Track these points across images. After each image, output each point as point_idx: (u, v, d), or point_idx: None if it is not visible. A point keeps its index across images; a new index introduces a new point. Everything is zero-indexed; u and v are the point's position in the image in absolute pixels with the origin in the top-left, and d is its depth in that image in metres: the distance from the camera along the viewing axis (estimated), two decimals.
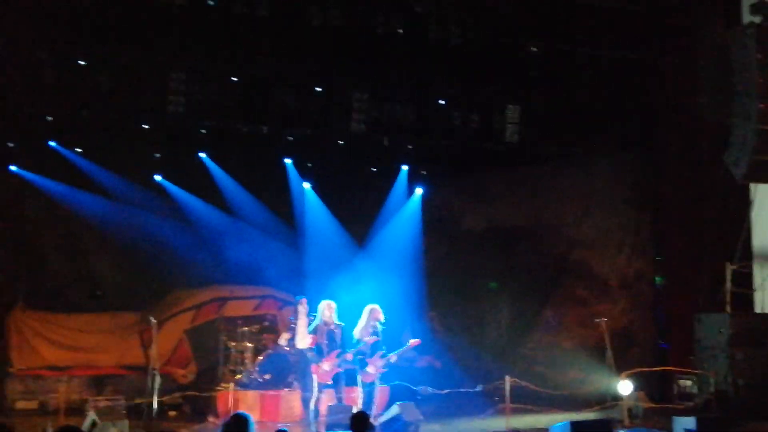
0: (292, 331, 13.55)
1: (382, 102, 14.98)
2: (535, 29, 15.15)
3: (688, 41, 15.49)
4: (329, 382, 12.49)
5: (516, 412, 13.60)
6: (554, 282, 17.42)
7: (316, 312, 12.74)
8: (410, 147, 15.94)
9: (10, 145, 14.48)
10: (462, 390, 14.57)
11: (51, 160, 14.63)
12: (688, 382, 14.36)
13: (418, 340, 13.06)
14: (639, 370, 14.24)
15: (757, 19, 13.49)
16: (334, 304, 12.82)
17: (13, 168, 14.77)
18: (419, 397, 14.37)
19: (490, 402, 14.54)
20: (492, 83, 15.44)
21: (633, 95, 16.01)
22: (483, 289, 17.87)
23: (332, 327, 12.71)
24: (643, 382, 14.26)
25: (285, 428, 7.43)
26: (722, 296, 14.44)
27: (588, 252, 17.18)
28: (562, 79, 15.61)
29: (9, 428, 4.26)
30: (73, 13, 12.83)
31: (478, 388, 14.71)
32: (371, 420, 9.27)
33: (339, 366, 12.56)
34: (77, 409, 12.61)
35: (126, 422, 11.46)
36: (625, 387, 13.53)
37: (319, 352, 12.58)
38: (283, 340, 13.70)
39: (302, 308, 12.95)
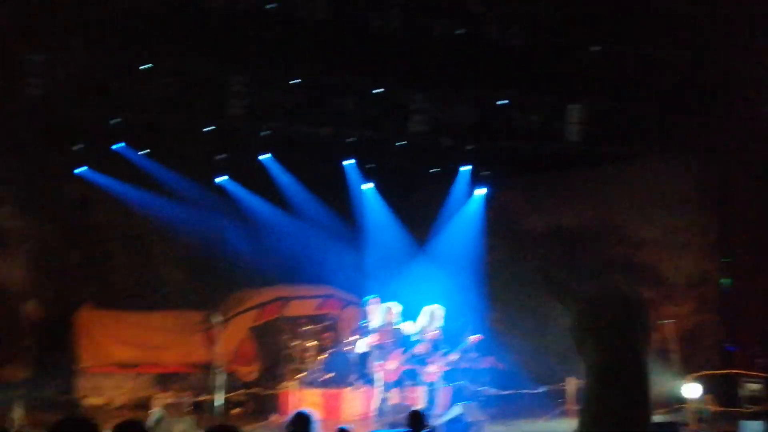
0: (360, 331, 13.64)
1: (442, 103, 14.99)
2: (596, 29, 15.01)
3: (752, 39, 15.20)
4: (394, 381, 12.57)
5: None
6: (619, 284, 17.17)
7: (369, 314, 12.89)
8: (471, 148, 15.89)
9: (77, 147, 14.78)
10: (525, 391, 14.49)
11: (117, 162, 14.93)
12: (756, 386, 14.06)
13: (479, 335, 13.08)
14: (706, 372, 14.01)
15: None
16: (396, 305, 12.92)
17: (80, 171, 15.09)
18: (482, 398, 14.32)
19: (553, 404, 14.43)
20: (553, 83, 15.33)
21: (697, 94, 15.76)
22: (544, 290, 17.69)
23: (394, 327, 12.80)
24: (709, 385, 14.00)
25: (346, 427, 7.46)
26: None
27: (653, 253, 16.95)
28: (624, 78, 15.43)
29: (96, 424, 4.33)
30: (139, 19, 13.08)
31: (542, 390, 14.61)
32: (432, 419, 9.31)
33: (402, 364, 12.64)
34: (143, 406, 12.82)
35: (191, 418, 11.64)
36: (691, 390, 13.32)
37: (383, 350, 12.66)
38: (363, 345, 13.51)
39: (374, 307, 13.05)
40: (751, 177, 15.42)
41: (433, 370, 12.96)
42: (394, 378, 12.75)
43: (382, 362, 12.75)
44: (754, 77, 14.91)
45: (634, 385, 4.53)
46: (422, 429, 8.11)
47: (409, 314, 13.50)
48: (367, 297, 13.35)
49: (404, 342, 12.97)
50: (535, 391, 14.44)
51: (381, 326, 13.02)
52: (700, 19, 15.02)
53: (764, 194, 15.16)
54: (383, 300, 13.46)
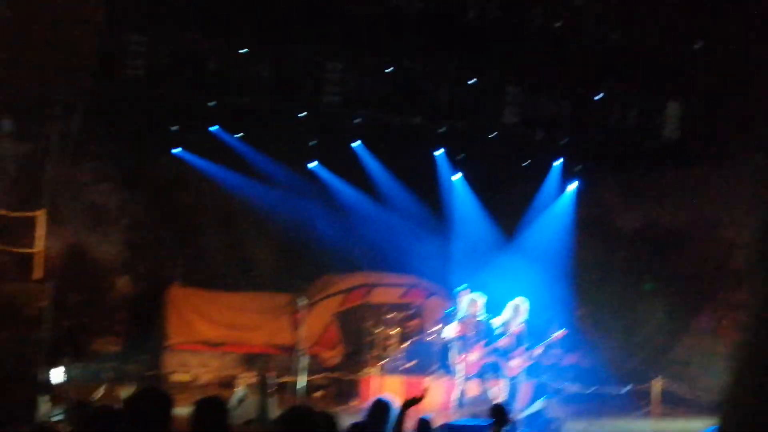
0: (443, 321, 13.63)
1: (536, 95, 14.83)
2: (699, 26, 14.63)
3: None
4: (476, 373, 12.54)
5: (665, 415, 13.22)
6: (712, 285, 16.75)
7: (459, 304, 12.85)
8: (564, 142, 15.67)
9: (174, 129, 15.09)
10: (608, 390, 14.27)
11: (212, 144, 15.20)
12: None
13: (564, 330, 12.95)
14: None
15: None
16: (481, 297, 12.87)
17: (175, 151, 15.42)
18: (564, 395, 14.18)
19: (637, 403, 14.17)
20: (652, 80, 15.01)
21: None
22: (636, 289, 17.38)
23: (478, 319, 12.75)
24: None
25: (428, 416, 7.45)
26: None
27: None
28: (724, 77, 15.01)
29: (171, 398, 4.43)
30: (238, 3, 13.28)
31: (626, 389, 14.36)
32: (512, 414, 9.25)
33: (485, 356, 12.59)
34: (228, 384, 13.05)
35: (275, 398, 11.81)
36: None
37: (465, 341, 12.64)
38: (451, 332, 13.42)
39: (465, 298, 13.02)
40: None
41: (516, 364, 12.86)
42: (474, 370, 12.70)
43: (463, 353, 12.70)
44: None
45: None
46: (505, 422, 8.05)
47: (495, 307, 13.42)
48: (458, 287, 13.29)
49: (487, 334, 12.89)
50: (619, 391, 14.18)
51: (464, 317, 12.97)
52: None
53: None
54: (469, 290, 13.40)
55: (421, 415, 7.54)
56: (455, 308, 13.22)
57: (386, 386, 13.11)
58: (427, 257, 15.92)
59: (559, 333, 13.08)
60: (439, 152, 16.15)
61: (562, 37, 14.39)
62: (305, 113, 14.55)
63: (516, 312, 13.02)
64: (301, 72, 13.95)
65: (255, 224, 16.14)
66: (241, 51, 13.59)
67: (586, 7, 14.47)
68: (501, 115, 14.71)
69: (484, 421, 8.62)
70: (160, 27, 13.04)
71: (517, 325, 13.01)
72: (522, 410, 12.20)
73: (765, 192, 16.03)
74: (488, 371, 12.89)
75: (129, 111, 14.01)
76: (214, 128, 14.90)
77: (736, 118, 15.18)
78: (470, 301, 13.00)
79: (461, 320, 12.97)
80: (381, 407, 6.62)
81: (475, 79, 14.63)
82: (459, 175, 16.66)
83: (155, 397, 4.39)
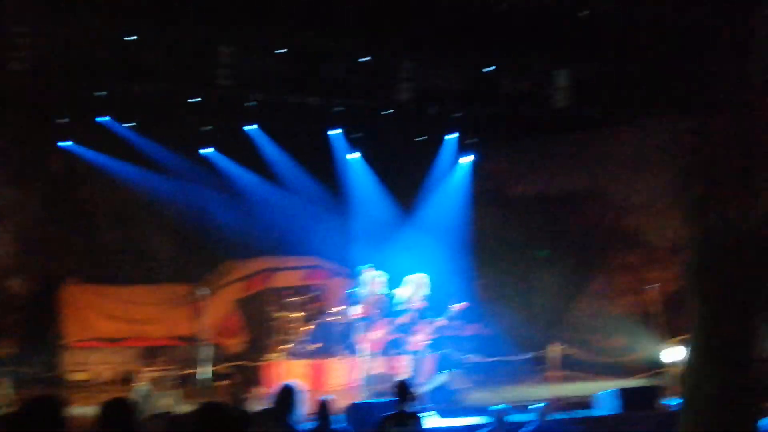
0: (346, 301, 13.71)
1: (429, 70, 14.93)
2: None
3: (747, 6, 15.10)
4: (379, 351, 12.68)
5: (564, 379, 13.63)
6: (604, 248, 17.29)
7: (362, 283, 12.94)
8: (457, 115, 15.86)
9: (63, 121, 14.74)
10: (510, 358, 14.62)
11: (102, 135, 14.90)
12: None
13: (464, 303, 13.18)
14: (688, 337, 14.09)
15: None
16: (383, 275, 12.99)
17: (64, 144, 15.06)
18: (467, 365, 14.46)
19: (538, 369, 14.57)
20: (540, 48, 15.25)
21: (688, 59, 15.69)
22: (532, 256, 17.82)
23: (379, 297, 12.87)
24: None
25: (328, 397, 7.57)
26: None
27: (638, 217, 16.99)
28: (614, 43, 15.36)
29: (62, 401, 4.42)
30: None
31: (527, 356, 14.74)
32: (417, 388, 9.41)
33: (388, 334, 12.74)
34: (129, 380, 12.90)
35: (179, 392, 11.77)
36: (672, 354, 13.44)
37: (368, 321, 12.76)
38: (354, 312, 13.55)
39: (368, 276, 13.11)
40: (737, 141, 15.40)
41: (419, 338, 13.05)
42: (379, 348, 12.85)
43: (367, 332, 12.84)
44: (748, 44, 14.83)
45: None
46: (408, 398, 8.19)
47: (397, 283, 13.60)
48: (361, 266, 13.37)
49: (390, 311, 13.04)
50: (520, 358, 14.55)
51: (367, 296, 13.10)
52: None
53: (749, 158, 15.16)
54: (370, 268, 13.49)
55: (321, 397, 7.64)
56: (358, 287, 13.32)
57: (291, 371, 13.17)
58: (328, 238, 15.95)
59: (460, 305, 13.31)
60: (335, 132, 16.17)
61: (450, 9, 14.47)
62: (198, 99, 14.39)
63: (417, 287, 13.19)
64: (192, 56, 13.76)
65: (151, 215, 15.91)
66: (128, 38, 13.33)
67: None
68: (395, 91, 14.76)
69: (388, 399, 8.75)
70: (45, 17, 12.66)
71: (419, 300, 13.19)
72: (426, 384, 12.42)
73: (668, 152, 16.60)
74: (392, 348, 13.05)
75: (14, 105, 13.62)
76: (104, 119, 14.62)
77: (624, 83, 15.57)
78: (371, 279, 13.12)
79: (364, 299, 13.09)
80: (287, 393, 6.71)
81: (369, 57, 14.65)
82: (356, 154, 16.71)
83: (45, 402, 4.37)
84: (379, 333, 12.93)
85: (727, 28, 15.23)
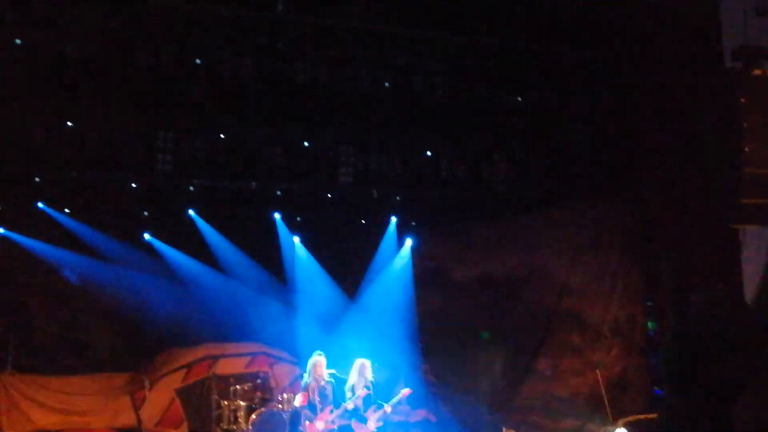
0: (292, 389, 13.48)
1: (369, 154, 15.06)
2: (519, 79, 15.31)
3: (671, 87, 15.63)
4: None
5: None
6: (547, 331, 17.36)
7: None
8: (398, 198, 15.98)
9: None
10: None
11: (39, 221, 14.61)
12: None
13: (409, 389, 13.09)
14: (635, 417, 14.17)
15: (739, 65, 13.66)
16: (323, 360, 12.79)
17: (0, 231, 14.74)
18: None
19: None
20: (478, 133, 15.56)
21: (621, 142, 16.14)
22: (475, 339, 17.79)
23: (323, 383, 12.67)
24: (639, 429, 14.17)
25: None
26: None
27: (579, 300, 17.14)
28: (549, 128, 15.76)
29: None
30: (62, 75, 12.90)
31: None
32: None
33: (332, 422, 12.50)
34: None
35: None
36: None
37: (312, 409, 12.53)
38: (297, 401, 13.27)
39: (311, 362, 12.89)
40: (674, 222, 15.74)
41: (369, 427, 12.87)
42: None
43: (311, 421, 12.58)
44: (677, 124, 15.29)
45: None
46: None
47: (343, 368, 13.43)
48: (314, 352, 13.15)
49: (334, 399, 12.82)
50: None
51: (307, 384, 12.86)
52: (617, 69, 15.48)
53: (687, 239, 15.48)
54: (314, 353, 13.28)
55: None
56: (305, 374, 13.10)
57: None
58: (271, 323, 15.75)
59: (405, 391, 13.19)
60: (277, 216, 16.11)
61: (390, 95, 14.71)
62: (137, 184, 14.26)
63: (360, 373, 13.05)
64: (131, 142, 13.69)
65: (89, 302, 15.48)
66: (68, 123, 13.22)
67: (412, 66, 14.86)
68: (336, 175, 14.83)
69: None
70: None
71: (363, 387, 13.01)
72: None
73: (608, 234, 16.91)
74: None
75: None
76: (40, 204, 14.37)
77: (563, 168, 15.91)
78: (312, 366, 12.88)
79: (304, 388, 12.87)
80: None
81: (307, 143, 14.76)
82: (297, 238, 16.64)
83: None
84: (323, 422, 12.67)
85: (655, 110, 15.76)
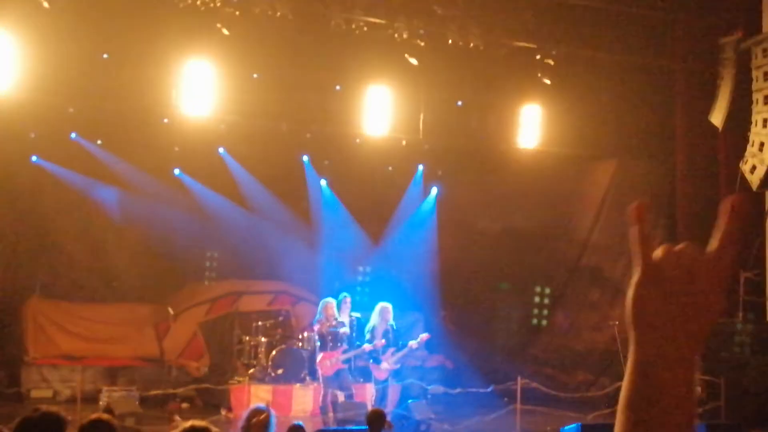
0: (311, 328, 13.64)
1: (400, 102, 15.07)
2: (555, 36, 15.20)
3: (706, 49, 15.51)
4: (332, 376, 12.60)
5: (526, 413, 13.67)
6: (566, 285, 17.48)
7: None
8: (426, 147, 16.01)
9: (32, 135, 14.63)
10: (473, 390, 14.64)
11: (72, 151, 14.77)
12: (698, 389, 14.36)
13: (427, 334, 13.23)
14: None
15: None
16: (332, 302, 12.86)
17: (34, 158, 14.94)
18: (430, 396, 14.47)
19: (500, 402, 14.59)
20: (510, 85, 15.51)
21: (648, 102, 16.08)
22: (495, 289, 17.95)
23: (334, 323, 12.78)
24: None
25: (300, 423, 7.46)
26: (735, 303, 14.46)
27: (601, 256, 17.23)
28: (578, 82, 15.69)
29: (64, 420, 4.32)
30: (99, 6, 12.95)
31: (489, 389, 14.77)
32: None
33: (343, 363, 12.66)
34: (91, 399, 12.70)
35: (140, 413, 11.61)
36: None
37: (322, 347, 12.69)
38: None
39: (345, 306, 13.06)
40: (699, 183, 15.73)
41: (384, 367, 13.03)
42: (329, 373, 12.72)
43: (320, 357, 12.76)
44: (708, 87, 15.21)
45: None
46: (384, 428, 8.08)
47: (363, 311, 13.62)
48: (340, 295, 13.28)
49: (350, 340, 12.98)
50: (484, 390, 14.56)
51: (317, 320, 13.00)
52: (658, 26, 15.37)
53: (712, 201, 15.47)
54: (337, 295, 13.42)
55: (293, 422, 7.56)
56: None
57: (254, 395, 13.05)
58: (296, 263, 15.88)
59: (423, 336, 13.34)
60: (305, 158, 16.22)
61: (424, 44, 14.66)
62: (168, 119, 14.36)
63: (381, 316, 13.18)
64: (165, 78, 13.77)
65: (118, 233, 15.73)
66: (103, 55, 13.33)
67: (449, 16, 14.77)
68: (366, 121, 14.88)
69: (359, 427, 8.68)
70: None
71: (383, 330, 13.16)
72: (390, 414, 12.37)
73: (633, 190, 16.91)
74: (350, 375, 12.98)
75: None
76: (73, 135, 14.52)
77: (591, 123, 15.89)
78: (323, 307, 12.98)
79: (312, 324, 13.05)
80: (258, 415, 6.57)
81: (341, 86, 14.80)
82: (325, 181, 16.75)
83: (48, 421, 4.27)
84: (331, 360, 12.79)
85: (687, 69, 15.65)
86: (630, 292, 1.42)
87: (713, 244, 1.39)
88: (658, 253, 1.42)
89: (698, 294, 1.36)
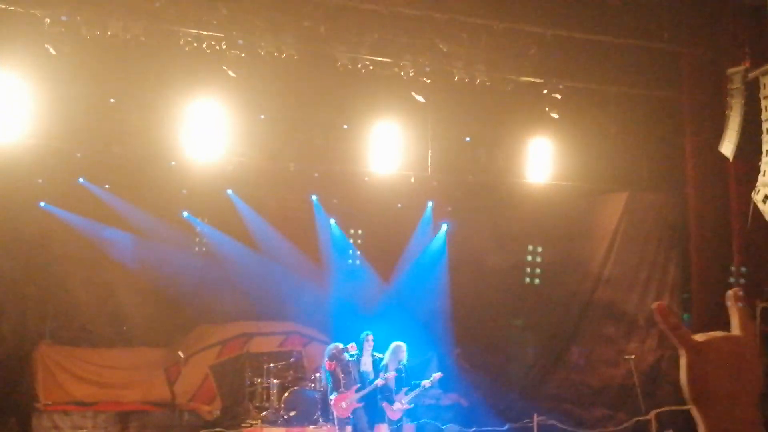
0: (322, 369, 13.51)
1: (408, 139, 15.04)
2: (561, 71, 15.19)
3: (712, 79, 15.47)
4: (348, 418, 12.45)
5: None
6: (581, 319, 17.31)
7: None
8: (435, 184, 15.96)
9: (40, 181, 14.66)
10: (488, 429, 14.46)
11: (80, 196, 14.78)
12: None
13: (441, 373, 13.09)
14: (667, 408, 14.09)
15: None
16: (340, 345, 12.76)
17: (42, 204, 14.95)
18: None
19: None
20: (517, 120, 15.49)
21: (657, 133, 16.03)
22: (509, 326, 17.79)
23: (345, 360, 12.66)
24: (671, 420, 14.10)
25: None
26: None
27: (615, 290, 17.07)
28: (587, 115, 15.65)
29: None
30: (105, 52, 13.00)
31: (506, 427, 14.59)
32: None
33: (358, 402, 12.53)
34: None
35: None
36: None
37: (336, 387, 12.56)
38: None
39: (367, 345, 12.94)
40: (712, 215, 15.63)
41: (397, 407, 12.88)
42: (345, 415, 12.59)
43: (335, 398, 12.63)
44: (717, 117, 15.14)
45: None
46: None
47: (375, 350, 13.48)
48: (362, 334, 13.16)
49: (362, 379, 12.84)
50: (500, 428, 14.39)
51: (330, 360, 12.88)
52: (664, 58, 15.35)
53: (724, 231, 15.36)
54: (349, 335, 13.31)
55: None
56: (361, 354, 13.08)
57: None
58: (305, 303, 15.82)
59: (436, 375, 13.20)
60: (314, 197, 16.18)
61: (431, 81, 14.64)
62: (176, 162, 14.36)
63: (393, 355, 13.06)
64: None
65: (127, 277, 15.67)
66: (110, 99, 13.38)
67: (454, 52, 14.78)
68: (374, 159, 14.85)
69: None
70: None
71: (396, 368, 13.03)
72: None
73: (646, 226, 16.82)
74: (366, 415, 12.82)
75: None
76: (81, 180, 14.53)
77: (602, 156, 15.82)
78: (330, 350, 12.87)
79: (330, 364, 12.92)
80: None
81: (347, 125, 14.80)
82: (333, 220, 16.70)
83: None
84: (347, 400, 12.66)
85: (697, 100, 15.60)
86: (684, 375, 1.71)
87: (737, 328, 1.74)
88: (699, 337, 1.73)
89: (745, 364, 1.69)
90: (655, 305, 1.74)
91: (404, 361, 13.06)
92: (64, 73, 12.71)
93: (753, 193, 13.90)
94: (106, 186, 15.14)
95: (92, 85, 13.16)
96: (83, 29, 12.49)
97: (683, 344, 1.71)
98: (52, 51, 12.42)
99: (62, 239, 15.36)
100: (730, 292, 1.80)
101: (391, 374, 12.77)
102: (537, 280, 17.62)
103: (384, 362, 13.05)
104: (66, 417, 14.12)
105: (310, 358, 15.35)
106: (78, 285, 15.75)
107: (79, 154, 13.95)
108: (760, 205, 13.83)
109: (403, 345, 13.11)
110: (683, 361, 1.70)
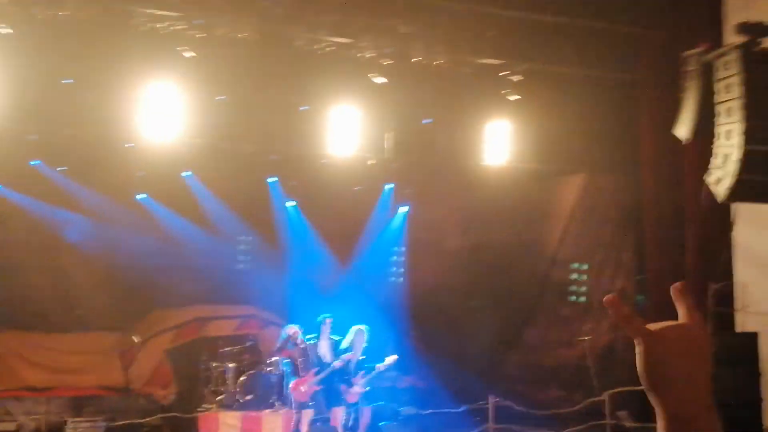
0: (278, 353, 13.48)
1: (367, 121, 15.00)
2: (520, 53, 15.20)
3: (668, 62, 15.57)
4: (308, 402, 12.46)
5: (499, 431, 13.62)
6: (536, 301, 17.44)
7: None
8: (394, 166, 15.94)
9: None
10: (445, 410, 14.55)
11: (33, 179, 14.56)
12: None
13: (396, 355, 13.12)
14: (621, 389, 14.26)
15: (741, 39, 13.58)
16: (297, 328, 12.75)
17: None
18: (402, 418, 14.35)
19: (473, 422, 14.52)
20: (476, 102, 15.49)
21: (614, 115, 16.11)
22: (466, 308, 17.87)
23: (303, 346, 12.67)
24: (626, 401, 14.28)
25: None
26: (704, 315, 14.46)
27: (569, 271, 17.22)
28: (545, 97, 15.69)
29: None
30: (58, 32, 12.78)
31: (462, 409, 14.69)
32: None
33: (317, 384, 12.54)
34: (57, 431, 12.48)
35: None
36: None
37: (294, 371, 12.55)
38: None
39: (325, 327, 12.93)
40: (666, 197, 15.78)
41: (355, 390, 12.92)
42: (305, 399, 12.59)
43: (293, 385, 12.62)
44: (672, 100, 15.25)
45: None
46: None
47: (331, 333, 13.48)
48: (321, 316, 13.14)
49: (319, 362, 12.85)
50: (456, 410, 14.48)
51: (284, 346, 12.87)
52: (619, 40, 15.42)
53: (679, 213, 15.53)
54: (305, 318, 13.31)
55: None
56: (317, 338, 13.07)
57: (223, 422, 12.89)
58: (263, 287, 15.74)
59: (392, 357, 13.24)
60: (272, 179, 16.08)
61: (391, 62, 14.60)
62: (132, 144, 14.18)
63: (356, 338, 13.09)
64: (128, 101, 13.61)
65: (81, 261, 15.49)
66: (64, 81, 13.15)
67: (414, 34, 14.73)
68: (333, 141, 14.79)
69: None
70: None
71: (356, 351, 13.05)
72: None
73: (602, 207, 16.95)
74: (324, 398, 12.84)
75: None
76: (35, 162, 14.32)
77: (559, 138, 15.89)
78: (288, 331, 12.87)
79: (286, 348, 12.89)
80: None
81: (307, 106, 14.70)
82: (293, 202, 16.62)
83: None
84: (306, 384, 12.67)
85: (651, 83, 15.72)
86: (641, 363, 1.74)
87: (684, 318, 1.80)
88: (654, 326, 1.76)
89: (697, 348, 1.75)
90: (606, 298, 1.77)
91: (364, 343, 13.09)
92: (17, 53, 12.47)
93: (705, 176, 14.05)
94: (61, 168, 14.90)
95: (46, 65, 12.91)
96: (35, 8, 12.29)
97: (638, 334, 1.74)
98: (2, 31, 12.20)
99: (14, 223, 15.13)
100: (673, 288, 1.84)
101: (349, 355, 12.79)
102: (495, 262, 17.68)
103: (346, 345, 13.06)
104: (18, 403, 13.99)
105: (266, 342, 15.28)
106: (31, 269, 15.55)
107: (32, 136, 13.73)
108: (713, 188, 13.98)
109: (365, 328, 13.14)
110: (639, 349, 1.74)
